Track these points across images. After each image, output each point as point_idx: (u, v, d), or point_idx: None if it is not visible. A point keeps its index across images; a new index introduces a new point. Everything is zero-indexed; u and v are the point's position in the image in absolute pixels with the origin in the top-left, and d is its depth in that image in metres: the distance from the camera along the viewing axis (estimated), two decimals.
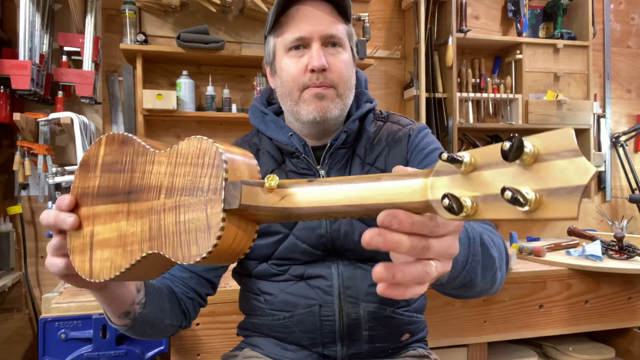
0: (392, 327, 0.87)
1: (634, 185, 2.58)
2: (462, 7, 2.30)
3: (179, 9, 2.06)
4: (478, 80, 2.40)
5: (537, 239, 2.30)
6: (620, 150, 2.61)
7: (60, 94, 1.86)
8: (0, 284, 1.66)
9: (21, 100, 1.89)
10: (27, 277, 1.89)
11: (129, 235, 0.52)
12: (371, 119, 0.94)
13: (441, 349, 1.54)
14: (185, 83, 1.98)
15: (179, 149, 0.50)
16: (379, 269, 0.40)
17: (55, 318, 1.28)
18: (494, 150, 0.35)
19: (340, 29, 0.86)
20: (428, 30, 2.28)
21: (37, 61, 1.78)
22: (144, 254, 0.50)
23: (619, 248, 1.72)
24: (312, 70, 0.83)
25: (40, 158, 1.76)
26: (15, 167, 1.77)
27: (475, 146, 2.41)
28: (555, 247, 1.96)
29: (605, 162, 2.63)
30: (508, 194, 0.32)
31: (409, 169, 0.41)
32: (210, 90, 2.05)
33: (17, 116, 1.65)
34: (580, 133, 2.42)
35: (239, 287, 0.98)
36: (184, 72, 2.00)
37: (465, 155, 0.35)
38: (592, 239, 1.90)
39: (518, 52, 2.37)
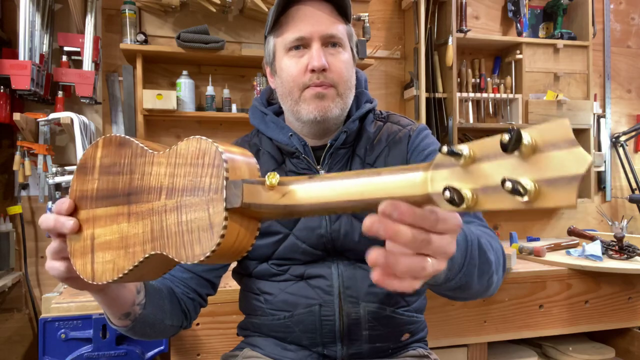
0: (392, 327, 0.87)
1: (634, 185, 2.58)
2: (462, 7, 2.30)
3: (179, 9, 2.06)
4: (478, 80, 2.40)
5: (537, 239, 2.30)
6: (620, 150, 2.61)
7: (60, 94, 1.86)
8: (0, 284, 1.66)
9: (21, 100, 1.89)
10: (27, 277, 1.89)
11: (130, 237, 0.52)
12: (371, 119, 0.94)
13: (441, 349, 1.54)
14: (185, 83, 1.98)
15: (178, 149, 0.51)
16: (374, 252, 0.41)
17: (55, 318, 1.28)
18: (492, 142, 0.35)
19: (340, 29, 0.86)
20: (428, 30, 2.28)
21: (37, 61, 1.77)
22: (146, 255, 0.51)
23: (619, 248, 1.72)
24: (312, 70, 0.83)
25: (40, 158, 1.76)
26: (15, 167, 1.77)
27: None
28: (555, 247, 1.96)
29: (605, 162, 2.63)
30: (508, 185, 0.32)
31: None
32: (210, 90, 2.05)
33: (17, 116, 1.66)
34: (580, 133, 2.42)
35: (239, 287, 0.98)
36: (184, 72, 2.00)
37: (464, 148, 0.36)
38: (592, 239, 1.90)
39: (518, 52, 2.37)
